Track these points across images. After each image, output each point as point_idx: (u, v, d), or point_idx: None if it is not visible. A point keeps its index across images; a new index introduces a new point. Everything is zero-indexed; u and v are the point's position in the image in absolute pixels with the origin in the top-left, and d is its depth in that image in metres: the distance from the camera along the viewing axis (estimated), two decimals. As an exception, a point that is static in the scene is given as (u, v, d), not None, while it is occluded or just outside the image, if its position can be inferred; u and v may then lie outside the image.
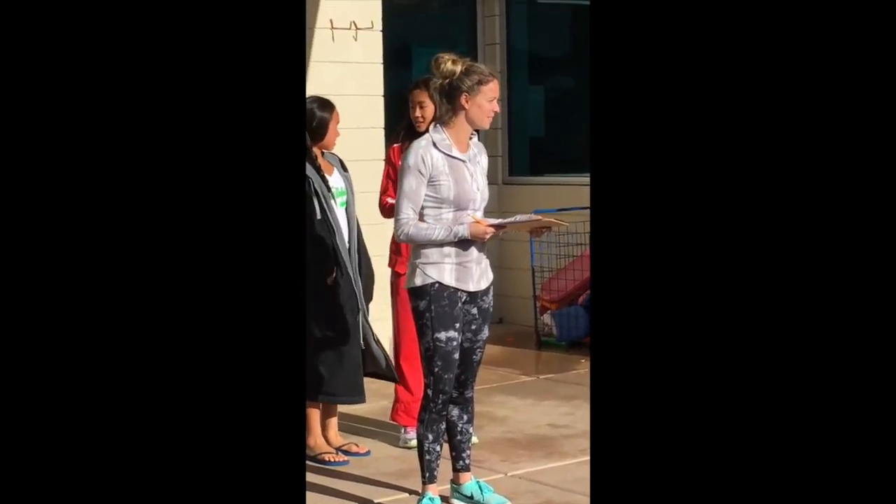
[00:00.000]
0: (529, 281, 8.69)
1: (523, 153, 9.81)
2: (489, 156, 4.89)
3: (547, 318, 8.46)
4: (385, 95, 8.16)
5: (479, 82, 4.55)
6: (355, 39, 8.02)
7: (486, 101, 4.57)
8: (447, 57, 4.59)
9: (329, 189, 5.43)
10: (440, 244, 4.56)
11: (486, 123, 4.65)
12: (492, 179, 4.83)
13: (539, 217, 4.77)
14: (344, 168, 5.63)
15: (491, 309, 4.76)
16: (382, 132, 7.97)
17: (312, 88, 7.67)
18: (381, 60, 8.17)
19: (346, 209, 5.56)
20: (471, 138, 4.70)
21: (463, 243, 4.57)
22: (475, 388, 4.91)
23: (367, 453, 5.67)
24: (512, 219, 4.74)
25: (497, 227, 4.62)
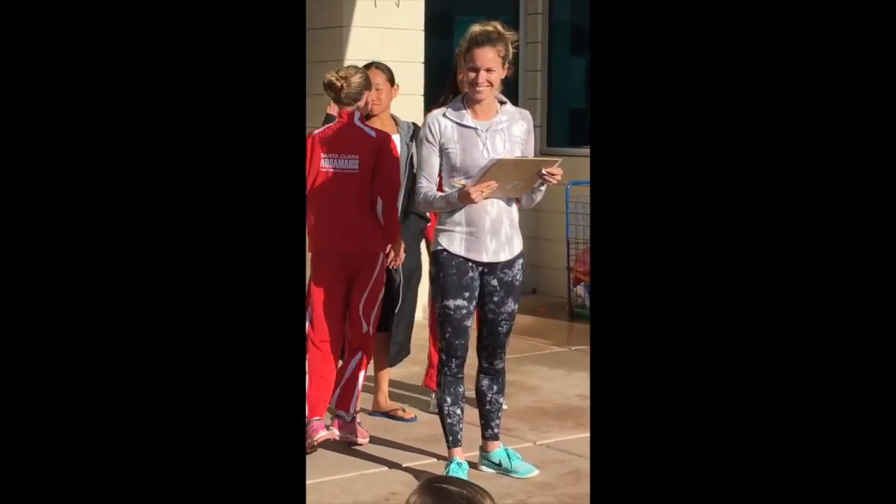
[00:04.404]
0: (564, 252, 8.69)
1: (563, 124, 9.78)
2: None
3: (580, 289, 8.47)
4: (426, 62, 8.17)
5: (464, 50, 4.54)
6: (397, 6, 8.03)
7: (466, 69, 4.55)
8: (479, 24, 4.60)
9: None
10: (443, 211, 4.62)
11: (470, 91, 4.59)
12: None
13: (504, 157, 4.49)
14: (412, 138, 5.56)
15: (517, 282, 4.73)
16: (422, 99, 7.98)
17: (355, 53, 7.71)
18: (422, 27, 8.18)
19: None
20: (503, 104, 4.69)
21: (473, 212, 4.57)
22: (506, 357, 4.94)
23: (414, 419, 5.73)
24: (481, 169, 4.48)
25: (479, 182, 4.44)
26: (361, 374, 5.30)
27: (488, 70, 4.51)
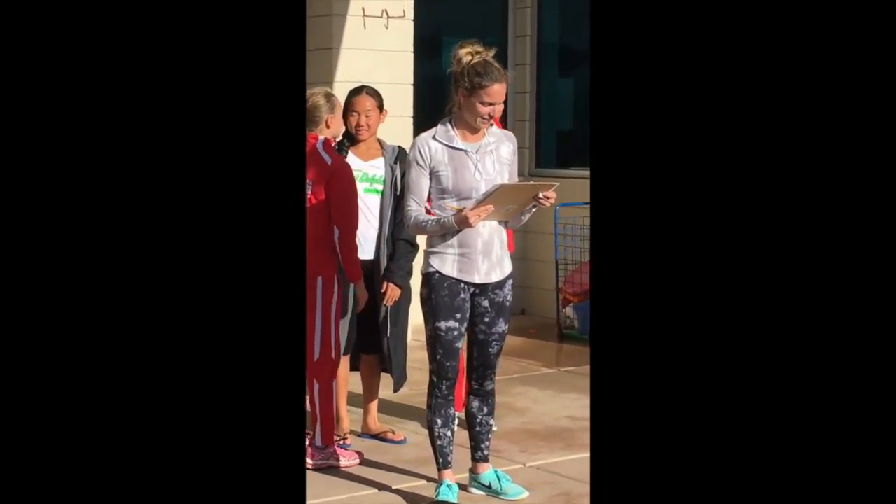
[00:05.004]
0: (553, 273, 8.71)
1: (551, 145, 9.81)
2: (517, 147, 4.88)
3: (569, 310, 8.48)
4: (415, 84, 8.19)
5: (478, 86, 4.55)
6: (386, 28, 8.05)
7: (479, 103, 4.58)
8: (466, 50, 4.62)
9: None
10: (436, 234, 4.63)
11: (476, 123, 4.64)
12: (518, 171, 4.83)
13: (504, 183, 4.57)
14: (396, 160, 5.54)
15: (507, 302, 4.77)
16: (412, 120, 8.00)
17: (344, 75, 7.72)
18: (411, 49, 8.20)
19: (381, 198, 5.55)
20: (489, 126, 4.72)
21: (465, 234, 4.60)
22: (496, 379, 4.94)
23: (404, 441, 5.71)
24: (483, 193, 4.57)
25: (478, 206, 4.50)
26: (334, 401, 5.25)
27: (499, 104, 4.63)
